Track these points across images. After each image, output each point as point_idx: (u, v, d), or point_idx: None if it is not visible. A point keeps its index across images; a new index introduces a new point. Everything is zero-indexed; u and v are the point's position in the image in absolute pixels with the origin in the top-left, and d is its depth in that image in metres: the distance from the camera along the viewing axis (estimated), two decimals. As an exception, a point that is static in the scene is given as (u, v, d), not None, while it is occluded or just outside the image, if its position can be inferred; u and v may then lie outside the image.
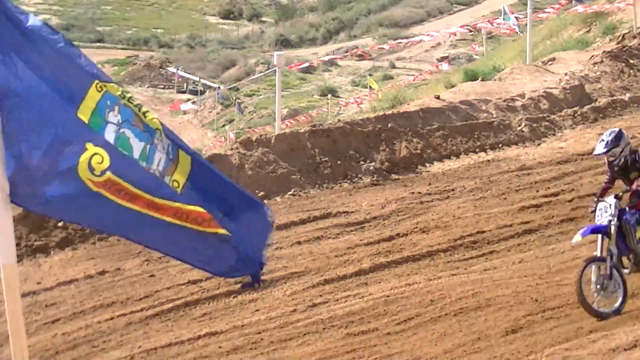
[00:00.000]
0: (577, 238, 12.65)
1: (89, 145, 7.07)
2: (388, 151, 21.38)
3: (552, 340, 12.70)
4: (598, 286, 12.54)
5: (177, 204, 7.41)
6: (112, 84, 7.53)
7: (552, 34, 38.34)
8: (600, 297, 12.56)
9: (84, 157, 7.01)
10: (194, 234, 7.49)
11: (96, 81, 7.35)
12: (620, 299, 12.93)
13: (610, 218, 12.34)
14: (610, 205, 12.54)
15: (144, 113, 7.55)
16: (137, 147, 7.20)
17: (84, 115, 7.17)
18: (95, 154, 7.13)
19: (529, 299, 14.35)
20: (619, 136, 13.71)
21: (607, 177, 14.33)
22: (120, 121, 7.24)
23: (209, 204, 7.64)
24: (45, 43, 7.27)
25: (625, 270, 12.59)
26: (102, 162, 7.08)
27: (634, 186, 13.02)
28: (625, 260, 12.66)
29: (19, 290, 6.17)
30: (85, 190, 7.10)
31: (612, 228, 12.28)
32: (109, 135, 7.17)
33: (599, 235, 12.59)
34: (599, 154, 14.39)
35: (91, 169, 7.04)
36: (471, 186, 20.01)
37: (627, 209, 12.99)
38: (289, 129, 22.20)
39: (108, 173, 7.10)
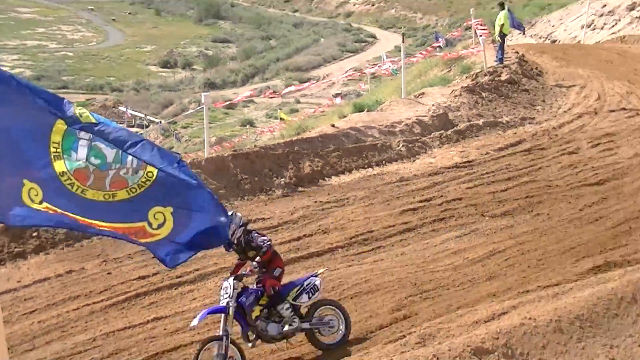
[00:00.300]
0: (194, 322, 11.65)
1: (25, 181, 7.25)
2: (295, 169, 21.48)
3: (428, 316, 12.89)
4: None
5: (116, 225, 7.60)
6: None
7: (421, 73, 38.61)
8: None
9: (24, 190, 7.22)
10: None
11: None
12: None
13: (228, 299, 11.61)
14: (229, 286, 11.76)
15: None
16: (109, 153, 7.41)
17: (57, 135, 7.31)
18: (31, 188, 7.29)
19: (409, 284, 14.54)
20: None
21: None
22: (91, 136, 7.34)
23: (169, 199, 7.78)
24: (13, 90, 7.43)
25: (249, 345, 12.06)
26: (37, 194, 7.26)
27: (249, 267, 12.27)
28: (250, 334, 12.03)
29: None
30: (35, 211, 7.32)
31: (230, 309, 11.68)
32: (81, 148, 7.30)
33: (222, 315, 11.78)
34: None
35: (31, 199, 7.23)
36: (361, 195, 20.15)
37: (248, 288, 12.33)
38: (216, 154, 22.20)
39: (45, 203, 7.30)
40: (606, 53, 41.15)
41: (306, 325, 12.34)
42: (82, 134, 7.43)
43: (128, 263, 16.20)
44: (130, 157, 7.52)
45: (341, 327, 12.56)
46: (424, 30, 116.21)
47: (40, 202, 7.53)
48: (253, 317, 12.07)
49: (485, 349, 9.58)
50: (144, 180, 7.59)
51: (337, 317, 12.63)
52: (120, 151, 7.49)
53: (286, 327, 12.15)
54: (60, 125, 7.43)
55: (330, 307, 12.78)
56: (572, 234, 16.85)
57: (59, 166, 7.49)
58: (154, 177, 7.59)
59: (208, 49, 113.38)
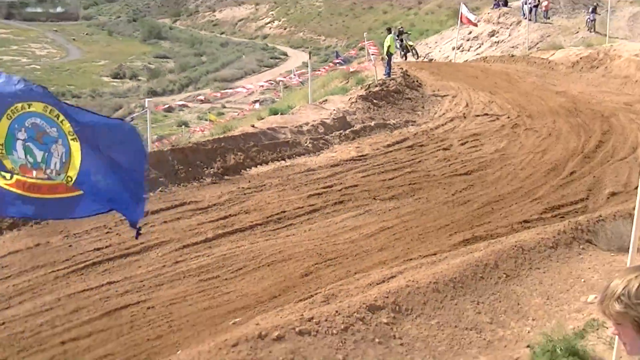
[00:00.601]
0: None
1: None
2: (222, 161, 21.30)
3: (330, 280, 12.83)
4: None
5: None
6: (37, 103, 7.57)
7: (325, 84, 38.65)
8: None
9: None
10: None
11: (10, 108, 7.40)
12: None
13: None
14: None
15: (61, 121, 7.61)
16: (38, 154, 7.48)
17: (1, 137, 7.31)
18: None
19: (315, 254, 14.47)
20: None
21: None
22: (26, 138, 7.33)
23: (93, 187, 7.79)
24: None
25: None
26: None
27: None
28: None
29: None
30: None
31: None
32: (19, 148, 7.35)
33: None
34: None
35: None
36: (276, 182, 20.05)
37: None
38: (158, 149, 21.93)
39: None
40: (472, 70, 41.60)
41: None
42: (20, 135, 7.42)
43: (86, 237, 15.87)
44: (53, 162, 7.59)
45: None
46: (327, 50, 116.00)
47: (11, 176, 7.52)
48: None
49: (377, 305, 9.59)
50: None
51: None
52: (46, 154, 7.53)
53: None
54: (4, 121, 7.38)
55: None
56: (446, 214, 16.94)
57: (7, 163, 7.46)
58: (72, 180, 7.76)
59: (151, 63, 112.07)
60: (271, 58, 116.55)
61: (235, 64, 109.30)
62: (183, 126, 53.25)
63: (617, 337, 4.43)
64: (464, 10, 46.90)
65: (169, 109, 55.50)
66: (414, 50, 35.22)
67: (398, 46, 36.48)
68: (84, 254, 15.03)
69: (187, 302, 12.55)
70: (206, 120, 48.84)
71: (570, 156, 21.61)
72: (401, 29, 38.35)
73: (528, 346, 9.01)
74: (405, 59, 35.63)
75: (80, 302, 12.79)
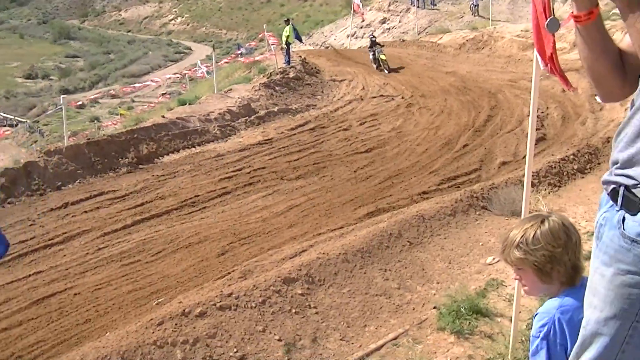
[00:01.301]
0: None
1: None
2: (135, 151, 21.11)
3: (245, 257, 12.77)
4: None
5: None
6: None
7: (229, 75, 38.39)
8: None
9: None
10: None
11: None
12: None
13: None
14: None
15: None
16: None
17: None
18: None
19: (229, 234, 14.41)
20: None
21: None
22: None
23: None
24: None
25: None
26: None
27: None
28: None
29: None
30: None
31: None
32: None
33: None
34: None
35: None
36: (188, 169, 19.94)
37: None
38: (74, 142, 21.59)
39: None
40: (366, 55, 41.86)
41: None
42: None
43: (10, 230, 15.52)
44: None
45: None
46: (228, 43, 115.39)
47: None
48: None
49: (292, 278, 9.58)
50: None
51: None
52: None
53: None
54: None
55: None
56: (350, 190, 16.99)
57: None
58: None
59: (62, 63, 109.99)
60: (176, 53, 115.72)
61: (142, 60, 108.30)
62: (95, 121, 52.50)
63: (517, 282, 4.56)
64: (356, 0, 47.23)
65: (81, 106, 54.64)
66: (386, 65, 34.17)
67: (371, 58, 36.05)
68: (11, 247, 14.75)
69: (112, 286, 12.37)
70: (117, 114, 48.21)
71: (462, 131, 21.92)
72: (373, 39, 36.87)
73: (434, 307, 9.10)
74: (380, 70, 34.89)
75: (9, 293, 12.53)
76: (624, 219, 2.96)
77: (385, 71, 34.46)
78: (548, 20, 3.57)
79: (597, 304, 3.11)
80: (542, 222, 3.66)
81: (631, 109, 2.96)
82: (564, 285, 3.67)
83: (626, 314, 2.95)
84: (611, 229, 3.03)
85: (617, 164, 3.04)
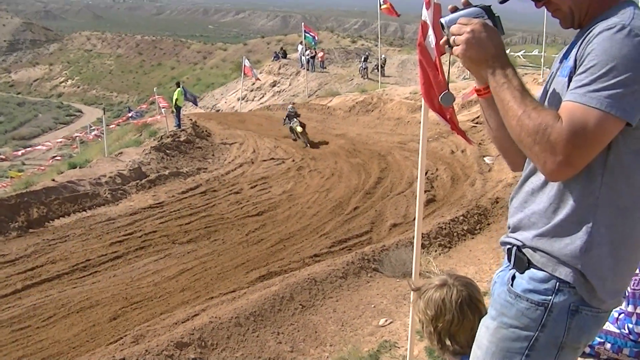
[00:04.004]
0: None
1: None
2: (25, 215, 20.75)
3: (138, 322, 12.70)
4: None
5: None
6: None
7: (119, 137, 38.33)
8: None
9: None
10: None
11: None
12: None
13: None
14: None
15: None
16: None
17: None
18: None
19: (121, 298, 14.27)
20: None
21: None
22: None
23: None
24: None
25: None
26: None
27: None
28: None
29: None
30: None
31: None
32: None
33: None
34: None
35: None
36: (79, 232, 19.69)
37: None
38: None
39: None
40: (257, 118, 42.26)
41: None
42: None
43: None
44: None
45: None
46: (119, 105, 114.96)
47: None
48: None
49: (184, 342, 9.58)
50: None
51: None
52: None
53: None
54: None
55: None
56: (242, 253, 17.02)
57: None
58: None
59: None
60: (67, 115, 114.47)
61: (32, 122, 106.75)
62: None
63: (409, 346, 4.67)
64: (246, 63, 47.67)
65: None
66: (305, 138, 31.87)
67: (289, 130, 33.81)
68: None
69: (2, 352, 12.09)
70: (7, 177, 47.24)
71: (353, 193, 22.24)
72: (292, 111, 33.72)
73: (327, 370, 9.17)
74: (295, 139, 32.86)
75: None
76: (513, 277, 3.17)
77: (306, 145, 32.10)
78: (442, 94, 3.75)
79: (479, 355, 3.29)
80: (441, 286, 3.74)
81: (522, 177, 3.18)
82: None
83: None
84: (501, 285, 3.24)
85: (509, 228, 3.28)
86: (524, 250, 3.13)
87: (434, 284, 3.82)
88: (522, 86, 2.92)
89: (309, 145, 31.80)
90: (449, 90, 3.77)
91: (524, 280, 3.10)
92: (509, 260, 3.24)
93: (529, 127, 2.79)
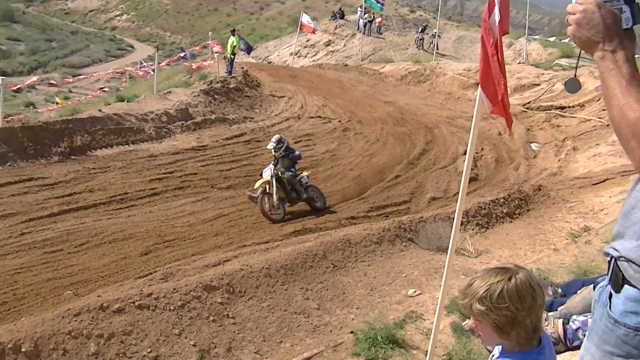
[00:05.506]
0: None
1: None
2: (69, 141, 20.88)
3: (169, 260, 12.74)
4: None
5: None
6: None
7: (169, 77, 38.29)
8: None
9: None
10: None
11: None
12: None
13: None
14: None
15: None
16: None
17: None
18: None
19: (155, 235, 14.35)
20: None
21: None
22: None
23: None
24: None
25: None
26: None
27: None
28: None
29: None
30: None
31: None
32: None
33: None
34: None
35: None
36: (120, 165, 19.84)
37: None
38: (8, 125, 21.23)
39: None
40: (308, 75, 41.95)
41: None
42: None
43: None
44: None
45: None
46: (171, 45, 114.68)
47: None
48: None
49: (213, 285, 9.54)
50: None
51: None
52: None
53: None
54: None
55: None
56: (279, 205, 17.01)
57: None
58: None
59: (2, 45, 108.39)
60: (118, 49, 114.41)
61: (83, 51, 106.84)
62: (31, 107, 51.60)
63: (436, 317, 4.51)
64: (304, 18, 47.26)
65: (18, 90, 53.66)
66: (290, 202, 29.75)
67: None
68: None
69: (32, 272, 12.15)
70: (53, 102, 47.46)
71: (396, 161, 22.07)
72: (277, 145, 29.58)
73: (352, 332, 9.09)
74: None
75: None
76: (610, 296, 2.96)
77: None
78: (568, 79, 3.49)
79: None
80: (510, 278, 3.34)
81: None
82: (521, 346, 3.52)
83: None
84: (600, 306, 3.03)
85: (614, 236, 3.02)
86: (619, 262, 2.89)
87: (498, 276, 3.55)
88: (632, 75, 2.69)
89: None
90: (576, 76, 3.50)
91: (619, 301, 2.88)
92: (607, 273, 3.01)
93: (629, 118, 2.58)
